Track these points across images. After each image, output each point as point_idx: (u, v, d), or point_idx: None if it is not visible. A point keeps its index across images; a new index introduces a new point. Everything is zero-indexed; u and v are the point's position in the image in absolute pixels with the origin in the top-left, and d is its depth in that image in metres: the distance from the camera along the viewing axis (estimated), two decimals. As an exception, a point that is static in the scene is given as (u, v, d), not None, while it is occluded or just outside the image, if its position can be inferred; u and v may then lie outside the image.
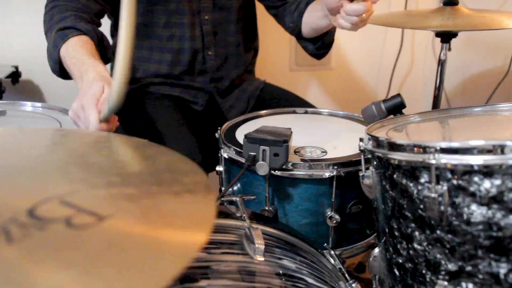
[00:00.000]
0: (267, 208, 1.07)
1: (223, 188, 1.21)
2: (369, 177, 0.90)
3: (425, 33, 2.23)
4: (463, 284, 0.74)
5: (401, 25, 1.62)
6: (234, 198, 0.93)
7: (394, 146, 0.79)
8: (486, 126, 1.00)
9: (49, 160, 0.52)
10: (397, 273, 0.85)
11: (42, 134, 0.61)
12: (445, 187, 0.71)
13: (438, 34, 1.43)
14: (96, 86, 1.01)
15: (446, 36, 1.41)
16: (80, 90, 1.05)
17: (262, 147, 1.00)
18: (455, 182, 0.71)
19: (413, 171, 0.76)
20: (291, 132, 1.06)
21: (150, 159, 0.52)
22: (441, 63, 1.45)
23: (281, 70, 2.13)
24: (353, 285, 0.83)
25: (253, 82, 1.60)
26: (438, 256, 0.76)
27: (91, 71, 1.07)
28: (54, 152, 0.55)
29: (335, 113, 1.39)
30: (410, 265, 0.81)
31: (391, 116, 1.09)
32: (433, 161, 0.71)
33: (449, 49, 1.44)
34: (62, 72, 1.21)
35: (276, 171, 1.03)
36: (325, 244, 1.05)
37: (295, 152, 1.09)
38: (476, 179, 0.69)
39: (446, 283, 0.75)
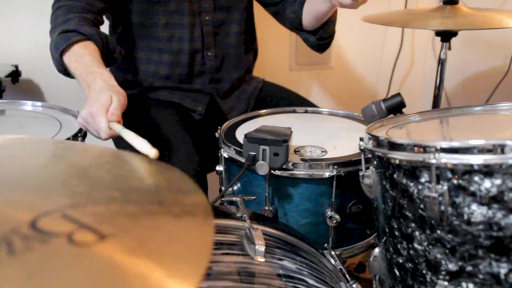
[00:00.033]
0: (267, 208, 1.07)
1: (223, 188, 1.21)
2: (369, 176, 0.90)
3: (425, 32, 2.23)
4: (464, 284, 0.74)
5: (401, 24, 1.62)
6: (234, 198, 0.93)
7: (394, 146, 0.79)
8: (486, 126, 1.00)
9: (50, 172, 0.53)
10: (397, 273, 0.85)
11: (43, 145, 0.62)
12: (445, 187, 0.71)
13: (438, 33, 1.43)
14: (104, 96, 1.02)
15: (446, 35, 1.41)
16: (88, 99, 1.06)
17: (262, 147, 1.00)
18: (455, 181, 0.70)
19: (413, 170, 0.76)
20: (291, 131, 1.06)
21: (151, 176, 0.52)
22: (441, 63, 1.45)
23: (281, 70, 2.13)
24: (354, 286, 0.83)
25: (252, 82, 1.60)
26: (439, 256, 0.76)
27: (98, 81, 1.08)
28: (55, 164, 0.56)
29: (335, 113, 1.39)
30: (410, 265, 0.81)
31: (391, 115, 1.09)
32: (434, 161, 0.71)
33: (449, 48, 1.44)
34: (66, 73, 1.21)
35: (276, 171, 1.03)
36: (325, 244, 1.05)
37: (295, 151, 1.09)
38: (476, 178, 0.69)
39: (446, 283, 0.75)
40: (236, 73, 1.52)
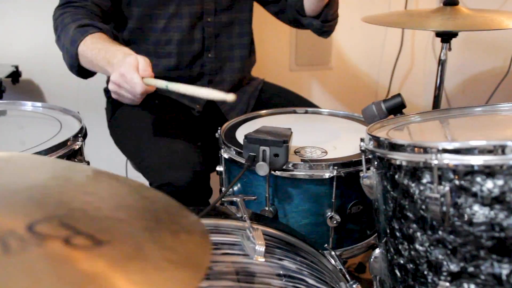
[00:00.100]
0: (267, 209, 1.07)
1: (223, 189, 1.21)
2: (369, 177, 0.90)
3: (425, 33, 2.23)
4: (465, 285, 0.74)
5: (401, 25, 1.61)
6: (234, 199, 0.93)
7: (395, 146, 0.79)
8: (487, 126, 1.00)
9: (48, 187, 0.53)
10: (398, 274, 0.85)
11: (43, 163, 0.62)
12: (447, 188, 0.71)
13: (438, 34, 1.43)
14: (129, 58, 1.07)
15: (446, 36, 1.41)
16: (112, 67, 1.10)
17: (262, 148, 1.00)
18: (457, 182, 0.70)
19: (414, 171, 0.76)
20: (291, 132, 1.06)
21: (148, 200, 0.53)
22: (441, 63, 1.45)
23: (281, 70, 2.13)
24: (354, 286, 0.82)
25: (252, 82, 1.60)
26: (440, 257, 0.76)
27: (119, 53, 1.12)
28: (53, 180, 0.56)
29: (335, 113, 1.39)
30: (411, 266, 0.81)
31: (392, 116, 1.09)
32: (435, 162, 0.71)
33: (449, 49, 1.44)
34: (79, 68, 1.24)
35: (276, 172, 1.03)
36: (326, 245, 1.05)
37: (295, 152, 1.09)
38: (478, 179, 0.69)
39: (448, 284, 0.75)
40: (236, 75, 1.52)
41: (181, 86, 1.00)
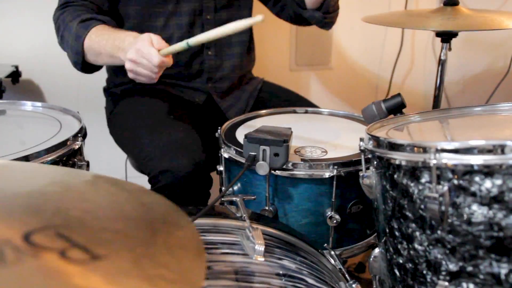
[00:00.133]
0: (267, 208, 1.07)
1: (223, 188, 1.21)
2: (369, 177, 0.90)
3: (425, 33, 2.23)
4: (464, 285, 0.74)
5: (401, 25, 1.62)
6: (234, 198, 0.93)
7: (394, 146, 0.79)
8: (486, 126, 1.00)
9: (46, 195, 0.53)
10: (397, 273, 0.85)
11: (41, 170, 0.62)
12: (446, 187, 0.71)
13: (438, 34, 1.43)
14: (142, 36, 1.11)
15: (446, 36, 1.41)
16: (124, 51, 1.14)
17: (262, 147, 1.00)
18: (456, 182, 0.70)
19: (413, 171, 0.76)
20: (291, 132, 1.06)
21: (146, 207, 0.53)
22: (441, 63, 1.45)
23: (281, 70, 2.13)
24: (353, 285, 0.83)
25: (252, 82, 1.60)
26: (439, 256, 0.76)
27: (129, 37, 1.16)
28: (51, 188, 0.56)
29: (335, 113, 1.39)
30: (410, 265, 0.81)
31: (391, 116, 1.09)
32: (434, 161, 0.71)
33: (449, 49, 1.44)
34: (84, 65, 1.27)
35: (276, 171, 1.03)
36: (325, 244, 1.05)
37: (295, 152, 1.09)
38: (477, 179, 0.69)
39: (446, 283, 0.75)
40: (236, 72, 1.52)
41: (202, 35, 1.04)
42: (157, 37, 1.11)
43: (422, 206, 0.76)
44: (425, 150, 0.73)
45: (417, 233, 0.78)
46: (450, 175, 0.71)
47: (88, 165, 1.05)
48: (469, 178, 0.69)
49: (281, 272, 0.74)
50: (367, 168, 0.92)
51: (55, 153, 0.96)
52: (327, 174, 1.03)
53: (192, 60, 1.44)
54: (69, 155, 0.99)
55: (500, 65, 2.17)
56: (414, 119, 1.03)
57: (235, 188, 1.13)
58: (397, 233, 0.83)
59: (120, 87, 1.49)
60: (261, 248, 0.75)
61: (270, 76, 1.70)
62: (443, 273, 0.76)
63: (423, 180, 0.75)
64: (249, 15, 1.53)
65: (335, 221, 1.05)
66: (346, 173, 1.04)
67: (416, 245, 0.79)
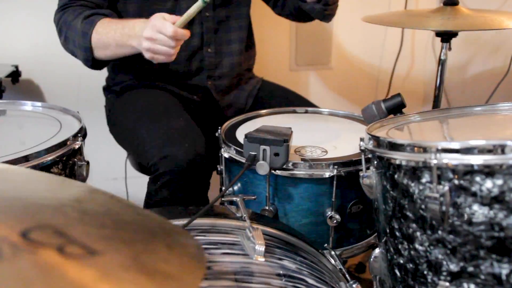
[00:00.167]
0: (267, 208, 1.07)
1: (223, 188, 1.21)
2: (369, 177, 0.90)
3: (425, 33, 2.23)
4: (465, 285, 0.74)
5: (401, 25, 1.62)
6: (234, 198, 0.93)
7: (394, 146, 0.79)
8: (486, 126, 1.00)
9: (44, 200, 0.53)
10: (398, 273, 0.85)
11: (40, 178, 0.63)
12: (446, 187, 0.71)
13: (438, 34, 1.43)
14: (154, 15, 1.15)
15: (446, 36, 1.41)
16: (136, 37, 1.18)
17: (262, 147, 1.00)
18: (456, 182, 0.70)
19: (414, 171, 0.76)
20: (292, 131, 1.06)
21: (143, 216, 0.53)
22: (441, 63, 1.45)
23: (281, 70, 2.13)
24: (354, 285, 0.82)
25: (251, 81, 1.60)
26: (440, 256, 0.76)
27: (139, 23, 1.20)
28: (49, 194, 0.56)
29: (336, 113, 1.39)
30: (411, 265, 0.81)
31: (391, 115, 1.09)
32: (435, 161, 0.71)
33: (449, 49, 1.43)
34: (93, 61, 1.29)
35: (277, 171, 1.03)
36: (326, 244, 1.05)
37: (296, 151, 1.09)
38: (477, 179, 0.69)
39: (447, 283, 0.75)
40: (236, 69, 1.52)
41: None
42: (168, 14, 1.15)
43: (423, 206, 0.76)
44: (425, 150, 0.73)
45: (418, 233, 0.78)
46: (450, 175, 0.71)
47: (88, 165, 1.05)
48: (469, 178, 0.69)
49: (281, 272, 0.74)
50: (368, 168, 0.92)
51: (55, 153, 0.96)
52: (327, 174, 1.03)
53: (191, 57, 1.44)
54: (69, 155, 0.99)
55: (500, 65, 2.17)
56: (414, 119, 1.03)
57: (235, 188, 1.13)
58: (397, 233, 0.82)
59: (120, 85, 1.49)
60: (262, 248, 0.75)
61: (270, 76, 1.70)
62: (444, 273, 0.76)
63: (423, 180, 0.75)
64: (247, 11, 1.53)
65: (335, 221, 1.05)
66: (346, 173, 1.03)
67: (417, 245, 0.79)
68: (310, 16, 1.53)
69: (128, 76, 1.48)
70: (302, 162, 1.03)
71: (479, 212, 0.69)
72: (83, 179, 1.04)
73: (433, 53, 2.27)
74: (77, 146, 1.01)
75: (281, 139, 1.00)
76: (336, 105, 2.24)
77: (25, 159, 0.90)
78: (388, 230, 0.85)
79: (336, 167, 1.03)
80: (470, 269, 0.73)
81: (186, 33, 1.14)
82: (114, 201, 0.55)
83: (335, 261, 0.90)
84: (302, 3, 1.47)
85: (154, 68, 1.44)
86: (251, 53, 1.60)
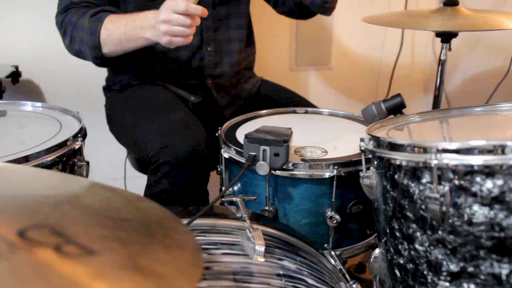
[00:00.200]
0: (267, 208, 1.07)
1: (223, 188, 1.21)
2: (369, 177, 0.90)
3: (425, 33, 2.23)
4: (465, 285, 0.74)
5: (401, 25, 1.61)
6: (234, 199, 0.93)
7: (395, 146, 0.79)
8: (486, 126, 1.00)
9: (42, 197, 0.53)
10: (398, 274, 0.85)
11: (41, 175, 0.63)
12: (446, 188, 0.71)
13: (438, 34, 1.43)
14: (165, 1, 1.16)
15: (446, 36, 1.41)
16: (150, 27, 1.19)
17: (262, 147, 1.00)
18: (456, 182, 0.70)
19: (414, 171, 0.76)
20: (292, 132, 1.06)
21: (142, 212, 0.53)
22: (441, 63, 1.45)
23: (281, 70, 2.13)
24: (354, 286, 0.83)
25: (251, 80, 1.60)
26: (440, 256, 0.76)
27: (149, 14, 1.21)
28: (48, 191, 0.56)
29: (336, 113, 1.39)
30: (411, 265, 0.81)
31: (391, 116, 1.09)
32: (435, 161, 0.71)
33: (449, 49, 1.43)
34: (102, 59, 1.30)
35: (277, 171, 1.03)
36: (326, 245, 1.05)
37: (296, 152, 1.09)
38: (478, 179, 0.69)
39: (447, 284, 0.75)
40: (236, 68, 1.52)
41: None
42: None
43: (423, 207, 0.76)
44: (426, 150, 0.73)
45: (418, 234, 0.78)
46: (451, 176, 0.71)
47: (88, 165, 1.05)
48: (470, 178, 0.69)
49: (281, 272, 0.74)
50: (368, 168, 0.92)
51: (55, 153, 0.96)
52: (327, 174, 1.03)
53: (192, 57, 1.44)
54: (69, 155, 0.99)
55: (500, 65, 2.16)
56: (414, 119, 1.03)
57: (235, 188, 1.13)
58: (397, 234, 0.82)
59: (120, 84, 1.50)
60: (262, 248, 0.75)
61: (270, 76, 1.70)
62: (444, 273, 0.76)
63: (424, 181, 0.75)
64: (246, 9, 1.53)
65: (335, 221, 1.05)
66: (346, 173, 1.03)
67: (417, 246, 0.79)
68: (311, 12, 1.53)
69: (128, 75, 1.48)
70: (302, 162, 1.03)
71: (479, 213, 0.69)
72: (83, 179, 1.04)
73: (433, 53, 2.27)
74: (77, 147, 1.01)
75: (281, 139, 1.00)
76: (336, 105, 2.24)
77: (25, 159, 0.90)
78: (388, 230, 0.85)
79: (336, 167, 1.03)
80: (470, 269, 0.73)
81: (199, 8, 1.14)
82: (115, 196, 0.55)
83: (335, 261, 0.90)
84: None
85: (154, 68, 1.44)
86: (251, 51, 1.60)
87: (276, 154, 1.00)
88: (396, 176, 0.80)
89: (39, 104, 1.25)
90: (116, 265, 0.41)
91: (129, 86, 1.47)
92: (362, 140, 0.91)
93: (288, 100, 1.50)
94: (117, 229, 0.48)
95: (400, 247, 0.83)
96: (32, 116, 1.22)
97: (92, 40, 1.25)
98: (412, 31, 2.22)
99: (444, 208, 0.72)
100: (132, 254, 0.43)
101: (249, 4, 1.54)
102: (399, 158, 0.78)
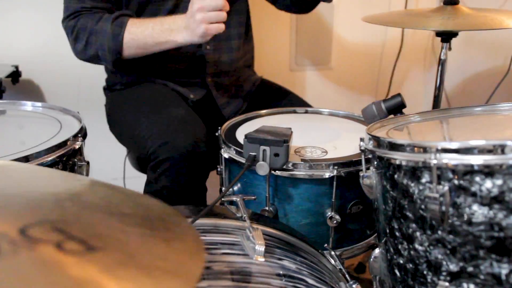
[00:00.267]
0: (267, 208, 1.07)
1: (223, 188, 1.21)
2: (369, 177, 0.90)
3: (425, 32, 2.23)
4: (465, 285, 0.74)
5: (401, 25, 1.61)
6: (234, 199, 0.93)
7: (394, 146, 0.79)
8: (486, 126, 1.00)
9: (43, 195, 0.54)
10: (397, 273, 0.85)
11: (42, 173, 0.63)
12: (446, 187, 0.71)
13: (438, 34, 1.43)
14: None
15: (446, 36, 1.41)
16: (180, 30, 1.24)
17: (262, 147, 1.00)
18: (456, 182, 0.70)
19: (414, 171, 0.76)
20: (292, 132, 1.06)
21: (143, 207, 0.53)
22: (442, 63, 1.45)
23: (281, 70, 2.13)
24: (354, 286, 0.83)
25: (250, 78, 1.60)
26: (439, 256, 0.76)
27: (177, 18, 1.25)
28: (49, 188, 0.57)
29: (336, 113, 1.39)
30: (411, 265, 0.81)
31: (391, 116, 1.09)
32: (434, 161, 0.71)
33: (450, 48, 1.43)
34: (120, 62, 1.32)
35: (277, 171, 1.03)
36: (326, 245, 1.05)
37: (296, 152, 1.09)
38: (477, 179, 0.69)
39: (447, 283, 0.75)
40: (235, 64, 1.51)
41: None
42: None
43: (423, 206, 0.76)
44: (425, 150, 0.73)
45: (418, 234, 0.78)
46: (450, 175, 0.71)
47: (88, 165, 1.05)
48: (469, 178, 0.69)
49: (281, 272, 0.74)
50: (368, 168, 0.92)
51: (55, 153, 0.96)
52: (327, 174, 1.03)
53: (191, 55, 1.44)
54: (69, 155, 0.99)
55: (500, 65, 2.16)
56: (414, 119, 1.03)
57: (235, 188, 1.13)
58: (397, 234, 0.82)
59: (120, 84, 1.50)
60: (262, 248, 0.75)
61: (270, 76, 1.70)
62: (444, 273, 0.76)
63: (423, 180, 0.75)
64: (245, 6, 1.53)
65: (335, 222, 1.05)
66: (346, 173, 1.03)
67: (417, 246, 0.79)
68: (311, 3, 1.52)
69: (128, 76, 1.48)
70: (302, 162, 1.03)
71: (479, 212, 0.69)
72: (83, 179, 1.04)
73: (433, 53, 2.27)
74: (77, 146, 1.01)
75: (281, 139, 1.00)
76: (336, 105, 2.24)
77: (25, 159, 0.90)
78: (388, 230, 0.85)
79: (336, 167, 1.03)
80: (470, 269, 0.73)
81: None
82: (115, 192, 0.55)
83: (335, 261, 0.90)
84: None
85: (154, 66, 1.44)
86: (249, 46, 1.59)
87: (276, 154, 1.00)
88: (396, 176, 0.80)
89: (39, 104, 1.25)
90: (117, 260, 0.41)
91: (129, 86, 1.48)
92: (362, 140, 0.91)
93: (286, 100, 1.50)
94: (118, 222, 0.48)
95: (400, 247, 0.83)
96: (32, 116, 1.22)
97: (114, 45, 1.27)
98: (412, 30, 2.21)
99: (443, 208, 0.72)
100: (133, 250, 0.43)
101: (248, 0, 1.54)
102: (399, 158, 0.78)
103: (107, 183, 0.56)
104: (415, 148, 0.75)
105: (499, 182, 0.67)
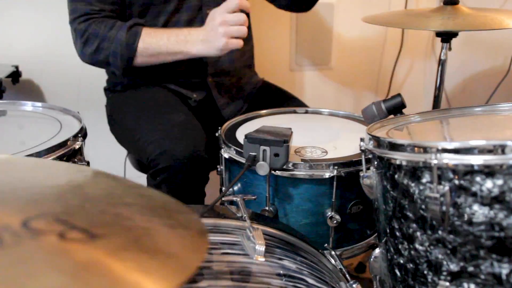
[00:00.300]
0: (267, 208, 1.07)
1: (223, 188, 1.21)
2: (369, 177, 0.90)
3: (425, 33, 2.23)
4: (465, 285, 0.74)
5: (401, 25, 1.61)
6: (234, 198, 0.93)
7: (395, 146, 0.79)
8: (487, 126, 1.00)
9: (45, 187, 0.54)
10: (398, 273, 0.85)
11: (44, 164, 0.63)
12: (446, 187, 0.71)
13: (438, 34, 1.43)
14: (210, 13, 1.25)
15: (446, 36, 1.41)
16: (196, 42, 1.27)
17: (262, 147, 1.00)
18: (456, 182, 0.70)
19: (414, 171, 0.76)
20: (292, 132, 1.06)
21: (145, 197, 0.53)
22: (442, 63, 1.45)
23: (281, 70, 2.13)
24: (354, 285, 0.83)
25: (251, 80, 1.59)
26: (440, 256, 0.76)
27: (193, 30, 1.28)
28: (51, 180, 0.57)
29: (336, 113, 1.39)
30: (411, 265, 0.81)
31: (392, 116, 1.09)
32: (435, 161, 0.71)
33: (450, 48, 1.43)
34: (129, 69, 1.33)
35: (277, 171, 1.03)
36: (326, 244, 1.05)
37: (296, 152, 1.09)
38: (478, 179, 0.69)
39: (447, 283, 0.75)
40: (236, 64, 1.51)
41: None
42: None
43: (423, 206, 0.76)
44: (426, 150, 0.73)
45: (418, 233, 0.78)
46: (451, 175, 0.71)
47: (88, 165, 1.05)
48: (470, 178, 0.69)
49: (281, 272, 0.74)
50: (368, 168, 0.92)
51: (55, 153, 0.96)
52: (327, 174, 1.03)
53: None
54: (69, 155, 0.99)
55: (500, 65, 2.16)
56: (414, 119, 1.03)
57: (235, 188, 1.13)
58: (397, 233, 0.82)
59: (121, 85, 1.50)
60: (262, 248, 0.75)
61: (270, 76, 1.70)
62: (444, 273, 0.76)
63: (424, 180, 0.75)
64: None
65: (335, 221, 1.05)
66: (347, 173, 1.03)
67: (417, 245, 0.79)
68: (310, 1, 1.52)
69: (129, 77, 1.48)
70: (302, 162, 1.03)
71: (479, 212, 0.69)
72: (83, 179, 1.04)
73: (433, 53, 2.27)
74: (77, 147, 1.01)
75: (281, 139, 1.00)
76: (336, 105, 2.24)
77: (25, 159, 0.90)
78: (388, 230, 0.85)
79: (336, 167, 1.03)
80: (470, 269, 0.73)
81: (248, 3, 1.22)
82: (118, 183, 0.55)
83: (335, 261, 0.90)
84: None
85: (155, 67, 1.44)
86: (249, 45, 1.59)
87: (276, 154, 1.00)
88: (396, 176, 0.80)
89: (39, 104, 1.25)
90: (121, 245, 0.41)
91: (130, 87, 1.48)
92: (362, 140, 0.91)
93: (285, 102, 1.50)
94: (120, 214, 0.48)
95: (400, 246, 0.83)
96: (32, 116, 1.22)
97: (127, 53, 1.28)
98: (412, 30, 2.21)
99: (444, 208, 0.72)
100: (136, 236, 0.43)
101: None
102: (399, 158, 0.78)
103: (109, 174, 0.56)
104: (416, 148, 0.75)
105: (499, 182, 0.67)
